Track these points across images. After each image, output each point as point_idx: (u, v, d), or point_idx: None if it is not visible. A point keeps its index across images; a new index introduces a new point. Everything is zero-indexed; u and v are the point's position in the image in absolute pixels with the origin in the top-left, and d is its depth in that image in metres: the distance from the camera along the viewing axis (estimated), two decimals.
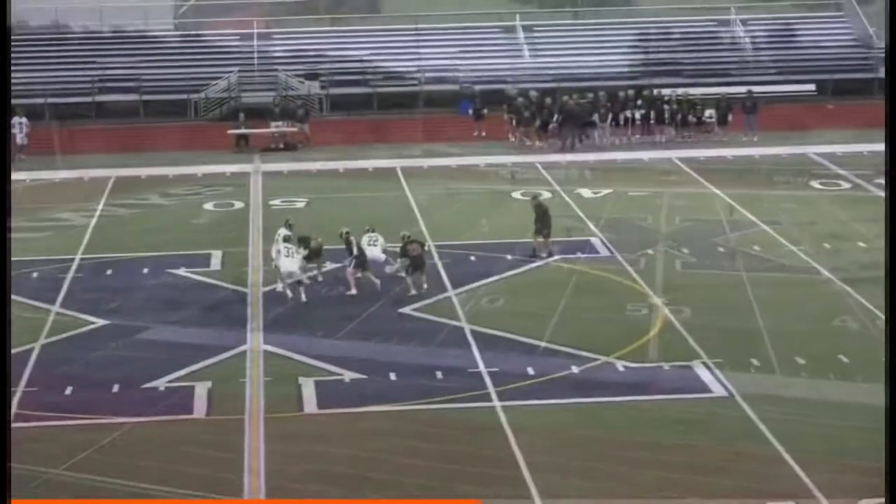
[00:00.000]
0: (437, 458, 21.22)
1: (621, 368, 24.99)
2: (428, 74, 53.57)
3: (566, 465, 20.79)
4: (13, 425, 21.02)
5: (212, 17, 58.33)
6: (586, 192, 39.37)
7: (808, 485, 19.92)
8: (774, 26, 57.70)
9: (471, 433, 22.15)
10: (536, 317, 28.02)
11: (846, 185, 39.92)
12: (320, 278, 30.60)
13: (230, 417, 23.06)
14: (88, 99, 52.25)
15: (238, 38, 56.45)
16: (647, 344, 26.29)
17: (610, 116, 46.05)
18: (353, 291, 29.75)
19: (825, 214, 36.38)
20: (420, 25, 57.84)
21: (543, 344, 26.32)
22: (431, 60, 54.12)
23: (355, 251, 29.93)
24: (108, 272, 32.24)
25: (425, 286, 29.78)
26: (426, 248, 30.52)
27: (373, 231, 30.97)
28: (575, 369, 24.92)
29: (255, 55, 54.31)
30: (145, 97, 52.52)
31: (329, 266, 30.95)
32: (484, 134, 48.25)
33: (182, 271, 31.96)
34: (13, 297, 27.43)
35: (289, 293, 29.53)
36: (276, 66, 53.54)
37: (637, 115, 46.63)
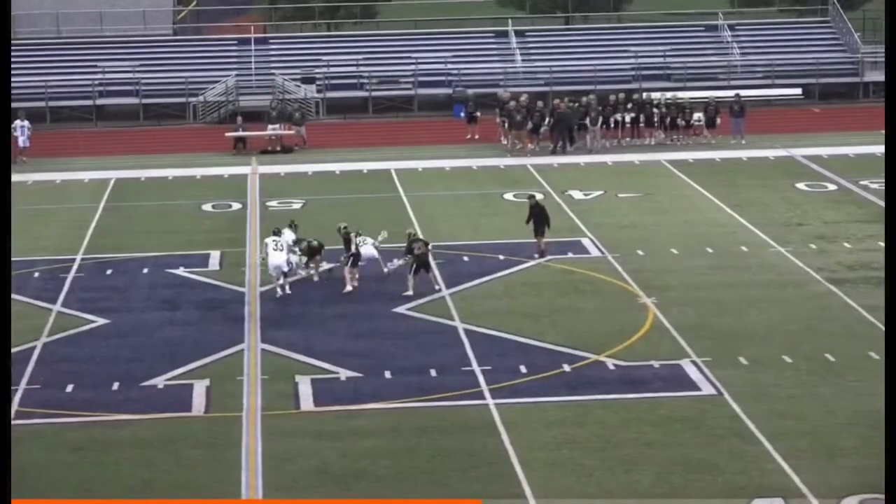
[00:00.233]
0: (432, 454, 21.57)
1: (612, 367, 25.35)
2: (422, 78, 54.04)
3: (558, 462, 21.13)
4: (14, 423, 21.41)
5: (210, 22, 58.70)
6: (577, 194, 39.64)
7: (796, 482, 20.22)
8: (762, 31, 58.24)
9: (465, 430, 22.46)
10: (529, 316, 28.41)
11: (832, 187, 40.16)
12: (316, 278, 30.95)
13: (228, 415, 23.39)
14: (89, 102, 52.68)
15: (236, 42, 56.93)
16: (638, 342, 26.66)
17: (600, 120, 46.23)
18: (349, 289, 30.08)
19: (812, 215, 36.69)
20: (414, 31, 58.33)
21: (536, 342, 26.71)
22: (425, 65, 54.56)
23: (353, 248, 30.14)
24: (109, 272, 32.53)
25: (437, 287, 30.02)
26: (430, 247, 30.73)
27: (360, 234, 30.81)
28: (567, 367, 25.32)
29: (253, 59, 54.67)
30: (145, 100, 52.94)
31: (325, 266, 31.22)
32: (477, 137, 48.48)
33: (181, 271, 32.27)
34: (15, 296, 27.84)
35: (286, 290, 29.87)
36: (272, 71, 53.97)
37: (627, 119, 46.81)
